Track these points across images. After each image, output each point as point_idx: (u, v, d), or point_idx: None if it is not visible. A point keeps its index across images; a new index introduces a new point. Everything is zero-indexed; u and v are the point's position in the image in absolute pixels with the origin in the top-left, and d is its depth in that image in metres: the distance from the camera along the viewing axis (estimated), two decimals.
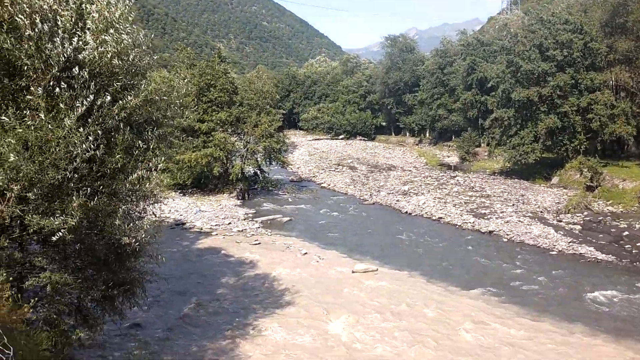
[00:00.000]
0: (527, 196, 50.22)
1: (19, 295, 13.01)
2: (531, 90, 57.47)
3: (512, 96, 59.69)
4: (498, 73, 64.79)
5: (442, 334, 21.70)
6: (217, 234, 37.25)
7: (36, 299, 13.88)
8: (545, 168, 59.06)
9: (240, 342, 20.60)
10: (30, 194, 10.87)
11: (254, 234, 37.20)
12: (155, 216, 15.75)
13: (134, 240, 13.03)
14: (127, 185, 12.21)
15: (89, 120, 11.32)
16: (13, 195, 10.77)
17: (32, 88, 10.86)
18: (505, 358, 19.70)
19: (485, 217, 42.16)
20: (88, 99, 11.18)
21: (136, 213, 13.87)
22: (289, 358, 19.45)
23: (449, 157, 78.46)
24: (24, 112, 10.91)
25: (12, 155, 10.28)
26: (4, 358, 2.73)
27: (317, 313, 23.55)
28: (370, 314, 23.57)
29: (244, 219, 41.39)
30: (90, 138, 11.00)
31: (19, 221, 12.68)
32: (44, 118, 10.69)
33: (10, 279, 12.29)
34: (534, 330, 22.20)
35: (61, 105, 11.01)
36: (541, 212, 43.86)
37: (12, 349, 2.67)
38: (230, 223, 39.85)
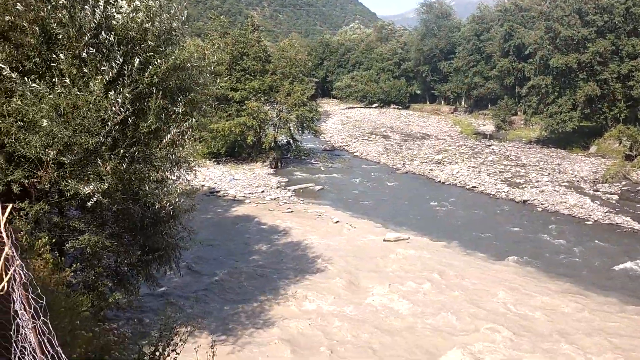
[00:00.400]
0: (564, 165, 49.33)
1: (61, 258, 13.48)
2: (570, 56, 55.93)
3: (550, 63, 58.20)
4: (536, 39, 62.97)
5: (478, 303, 21.72)
6: (250, 202, 37.69)
7: (77, 263, 14.39)
8: (583, 137, 57.78)
9: (272, 306, 21.03)
10: (65, 159, 11.18)
11: (286, 202, 37.53)
12: (189, 183, 16.06)
13: (167, 204, 13.31)
14: (160, 151, 12.40)
15: (119, 85, 11.50)
16: (50, 160, 11.09)
17: (61, 55, 11.06)
18: (559, 330, 19.64)
19: (520, 187, 41.65)
20: (117, 63, 11.34)
21: (169, 179, 14.14)
22: (320, 324, 19.80)
23: (484, 125, 77.29)
24: (55, 79, 11.15)
25: (45, 121, 10.55)
26: (38, 307, 2.90)
27: (348, 281, 23.80)
28: (402, 282, 23.71)
29: (277, 188, 41.74)
30: (119, 100, 11.18)
31: (57, 187, 13.10)
32: (69, 83, 10.91)
33: (53, 240, 12.73)
34: (582, 302, 22.00)
35: (86, 70, 11.20)
36: (577, 181, 43.11)
37: (44, 298, 2.85)
38: (263, 191, 40.24)
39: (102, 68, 11.20)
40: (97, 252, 14.23)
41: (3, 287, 2.99)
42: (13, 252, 2.98)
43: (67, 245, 13.81)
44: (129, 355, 9.44)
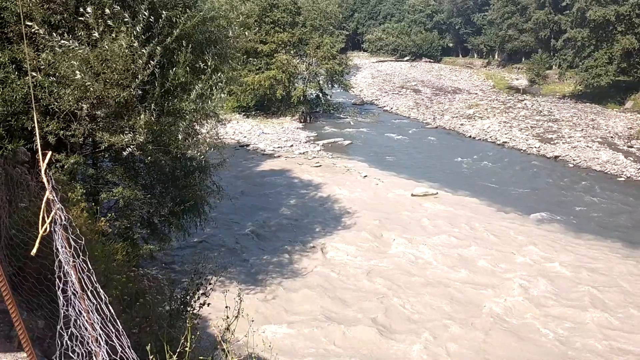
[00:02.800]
0: (598, 121, 48.37)
1: (97, 208, 13.92)
2: (608, 8, 54.06)
3: (587, 15, 56.42)
4: None
5: (506, 258, 21.89)
6: (279, 156, 37.94)
7: (112, 213, 14.85)
8: (619, 92, 56.30)
9: (299, 258, 21.49)
10: (99, 112, 11.44)
11: (315, 157, 37.69)
12: (219, 137, 16.23)
13: (198, 153, 13.57)
14: (189, 104, 12.54)
15: (148, 38, 11.61)
16: (83, 114, 11.37)
17: (89, 9, 11.19)
18: (586, 283, 19.77)
19: (552, 142, 41.11)
20: (143, 17, 11.41)
21: (199, 131, 14.35)
22: (347, 274, 20.20)
23: (517, 79, 75.75)
24: (82, 32, 11.30)
25: (78, 73, 10.74)
26: (78, 247, 3.14)
27: (374, 234, 24.07)
28: (429, 236, 23.92)
29: (306, 142, 41.85)
30: (145, 52, 11.28)
31: (91, 139, 13.44)
32: (97, 37, 11.06)
33: (88, 191, 13.15)
34: (609, 258, 22.04)
35: (112, 24, 11.32)
36: (611, 137, 42.34)
37: (83, 238, 3.08)
38: (292, 145, 40.42)
39: (128, 22, 11.31)
40: (131, 203, 14.65)
41: (46, 229, 3.24)
42: (53, 196, 3.22)
43: (101, 195, 14.22)
44: (162, 299, 9.87)
